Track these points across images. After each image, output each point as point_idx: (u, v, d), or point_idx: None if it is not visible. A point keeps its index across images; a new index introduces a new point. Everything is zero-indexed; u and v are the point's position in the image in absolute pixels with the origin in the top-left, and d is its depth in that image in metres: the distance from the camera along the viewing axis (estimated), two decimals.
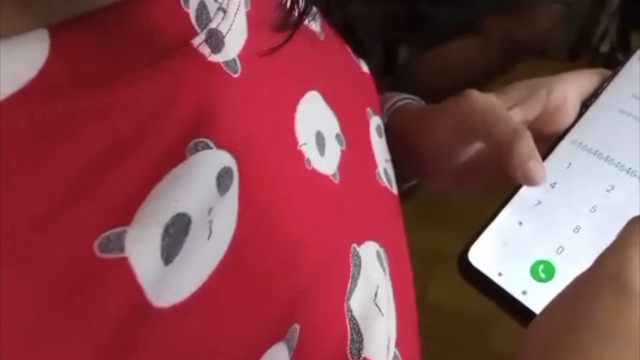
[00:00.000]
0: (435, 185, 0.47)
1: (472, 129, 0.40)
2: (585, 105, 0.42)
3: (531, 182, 0.37)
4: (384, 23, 1.47)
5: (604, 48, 1.65)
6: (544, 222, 0.36)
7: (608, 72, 0.43)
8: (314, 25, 0.37)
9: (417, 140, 0.44)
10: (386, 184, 0.40)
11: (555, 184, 0.38)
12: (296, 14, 0.30)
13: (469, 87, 0.42)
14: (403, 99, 0.48)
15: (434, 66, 1.42)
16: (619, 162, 0.38)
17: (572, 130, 0.40)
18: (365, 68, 0.44)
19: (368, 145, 0.39)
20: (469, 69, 1.36)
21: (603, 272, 0.29)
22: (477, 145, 0.42)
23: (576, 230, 0.36)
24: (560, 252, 0.35)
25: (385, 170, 0.40)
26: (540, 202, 0.37)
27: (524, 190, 0.38)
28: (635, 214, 0.31)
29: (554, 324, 0.29)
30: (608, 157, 0.38)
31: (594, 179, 0.38)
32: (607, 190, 0.37)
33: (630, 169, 0.38)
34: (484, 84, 1.13)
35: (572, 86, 0.42)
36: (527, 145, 0.37)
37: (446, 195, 0.47)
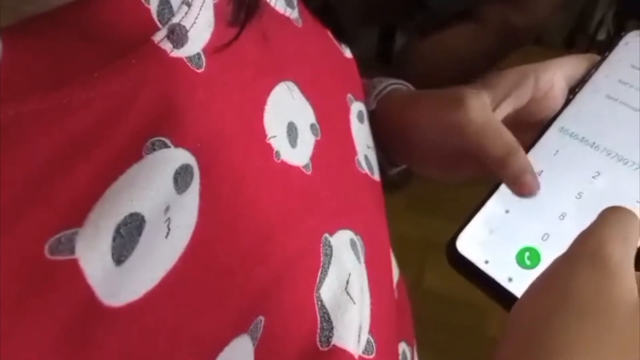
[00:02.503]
0: (423, 171, 0.47)
1: (464, 140, 0.40)
2: (573, 91, 0.42)
3: (526, 195, 0.37)
4: (376, 9, 1.47)
5: (601, 36, 1.64)
6: (530, 210, 0.37)
7: (597, 58, 0.43)
8: (291, 12, 0.37)
9: (406, 126, 0.44)
10: (366, 170, 0.40)
11: (542, 171, 0.38)
12: (243, 10, 0.30)
13: (465, 75, 0.42)
14: (392, 84, 0.48)
15: (431, 53, 1.41)
16: (605, 148, 0.38)
17: (560, 117, 0.41)
18: (348, 53, 0.43)
19: (347, 132, 0.39)
20: (465, 56, 1.36)
21: (582, 251, 0.29)
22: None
23: (562, 217, 0.36)
24: (546, 239, 0.36)
25: (366, 157, 0.40)
26: None
27: None
28: (620, 199, 0.32)
29: (536, 304, 0.29)
30: (594, 143, 0.38)
31: (580, 165, 0.38)
32: (593, 177, 0.37)
33: (616, 154, 0.38)
34: (480, 71, 1.13)
35: (560, 72, 0.42)
36: (520, 160, 0.38)
37: (439, 184, 0.47)
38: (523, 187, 0.37)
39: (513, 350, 0.29)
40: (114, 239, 0.23)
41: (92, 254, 0.22)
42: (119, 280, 0.23)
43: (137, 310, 0.23)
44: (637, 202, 0.35)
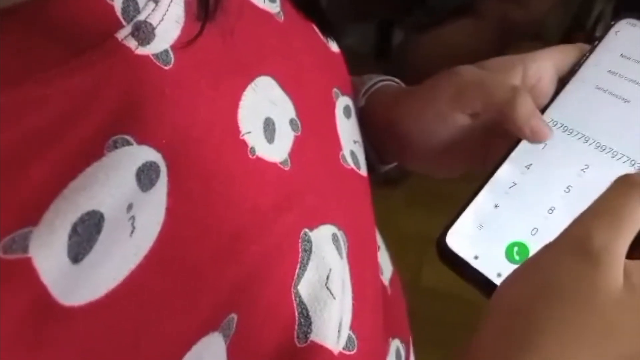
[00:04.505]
0: (415, 167, 0.47)
1: (470, 97, 0.39)
2: (563, 82, 0.41)
3: (539, 137, 0.37)
4: (374, 4, 1.46)
5: (599, 32, 1.64)
6: (519, 204, 0.36)
7: (587, 47, 0.42)
8: (271, 7, 0.37)
9: (399, 122, 0.44)
10: (352, 166, 0.39)
11: (530, 165, 0.38)
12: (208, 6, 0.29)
13: None
14: (382, 81, 0.48)
15: (429, 49, 1.41)
16: (594, 141, 0.38)
17: (549, 109, 0.40)
18: (334, 47, 0.43)
19: (332, 127, 0.39)
20: (464, 51, 1.36)
21: (566, 239, 0.29)
22: (459, 126, 0.41)
23: (550, 211, 0.36)
24: (535, 233, 0.36)
25: (352, 152, 0.40)
26: (515, 184, 0.38)
27: (500, 172, 0.38)
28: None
29: (518, 291, 0.29)
30: (584, 135, 0.38)
31: (569, 159, 0.38)
32: (582, 170, 0.37)
33: (605, 146, 0.37)
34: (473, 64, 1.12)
35: (548, 63, 0.41)
36: (528, 103, 0.37)
37: (438, 180, 0.47)
38: (536, 132, 0.37)
39: (492, 337, 0.29)
40: (70, 237, 0.23)
41: (47, 253, 0.22)
42: (76, 279, 0.23)
43: (98, 309, 0.23)
44: None
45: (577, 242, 0.28)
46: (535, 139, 0.37)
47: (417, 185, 1.47)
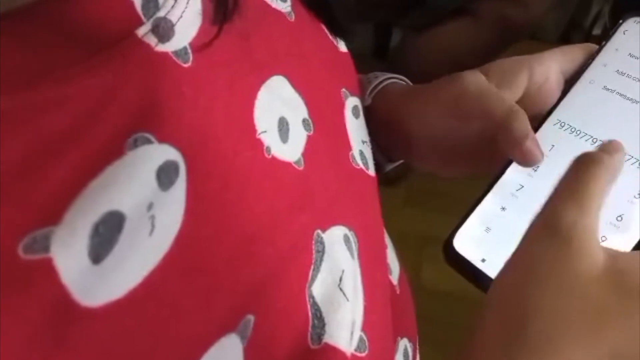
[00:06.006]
0: (421, 166, 0.47)
1: (467, 110, 0.39)
2: (570, 83, 0.41)
3: (529, 161, 0.37)
4: (372, 5, 1.46)
5: (596, 31, 1.65)
6: (526, 207, 0.36)
7: (593, 47, 0.41)
8: (283, 6, 0.37)
9: (404, 121, 0.44)
10: (361, 166, 0.39)
11: (537, 167, 0.37)
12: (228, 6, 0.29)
13: (462, 70, 0.42)
14: (389, 79, 0.48)
15: (427, 49, 1.41)
16: (602, 142, 0.38)
17: (556, 110, 0.40)
18: (343, 48, 0.43)
19: (342, 127, 0.39)
20: (462, 51, 1.36)
21: (538, 224, 0.29)
22: (466, 128, 0.41)
23: None
24: None
25: (361, 152, 0.40)
26: (522, 187, 0.37)
27: (507, 175, 0.38)
28: (618, 194, 0.32)
29: (505, 282, 0.30)
30: (591, 136, 0.38)
31: None
32: None
33: None
34: (476, 67, 1.13)
35: (554, 64, 0.41)
36: (524, 124, 0.37)
37: (436, 178, 0.47)
38: (527, 155, 0.36)
39: (490, 329, 0.29)
40: (92, 238, 0.22)
41: (68, 253, 0.22)
42: (96, 280, 0.23)
43: (116, 310, 0.23)
44: (635, 197, 0.35)
45: (548, 223, 0.29)
46: (525, 161, 0.37)
47: (416, 184, 1.48)
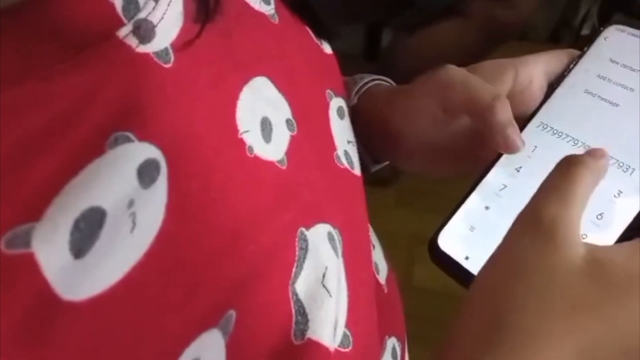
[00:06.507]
0: (407, 166, 0.47)
1: (454, 98, 0.40)
2: (552, 86, 0.42)
3: (510, 147, 0.38)
4: (363, 6, 1.47)
5: (585, 31, 1.66)
6: (509, 206, 0.37)
7: (577, 52, 0.42)
8: (266, 8, 0.37)
9: (389, 119, 0.44)
10: (346, 165, 0.40)
11: (520, 167, 0.38)
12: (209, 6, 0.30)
13: None
14: (373, 80, 0.48)
15: (418, 49, 1.42)
16: (583, 143, 0.38)
17: (539, 113, 0.41)
18: (327, 49, 0.43)
19: (326, 127, 0.39)
20: (452, 52, 1.37)
21: (522, 220, 0.30)
22: (451, 123, 0.42)
23: None
24: None
25: (345, 152, 0.40)
26: (505, 187, 0.38)
27: (491, 175, 0.39)
28: (599, 194, 0.32)
29: (490, 275, 0.30)
30: (573, 138, 0.39)
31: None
32: None
33: None
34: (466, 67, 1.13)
35: (539, 67, 0.41)
36: (507, 112, 0.38)
37: (428, 179, 0.47)
38: (508, 142, 0.37)
39: (470, 322, 0.29)
40: (72, 233, 0.23)
41: (49, 248, 0.22)
42: (79, 274, 0.23)
43: (99, 305, 0.23)
44: (615, 196, 0.35)
45: (530, 219, 0.30)
46: (506, 148, 0.38)
47: (407, 184, 1.48)
